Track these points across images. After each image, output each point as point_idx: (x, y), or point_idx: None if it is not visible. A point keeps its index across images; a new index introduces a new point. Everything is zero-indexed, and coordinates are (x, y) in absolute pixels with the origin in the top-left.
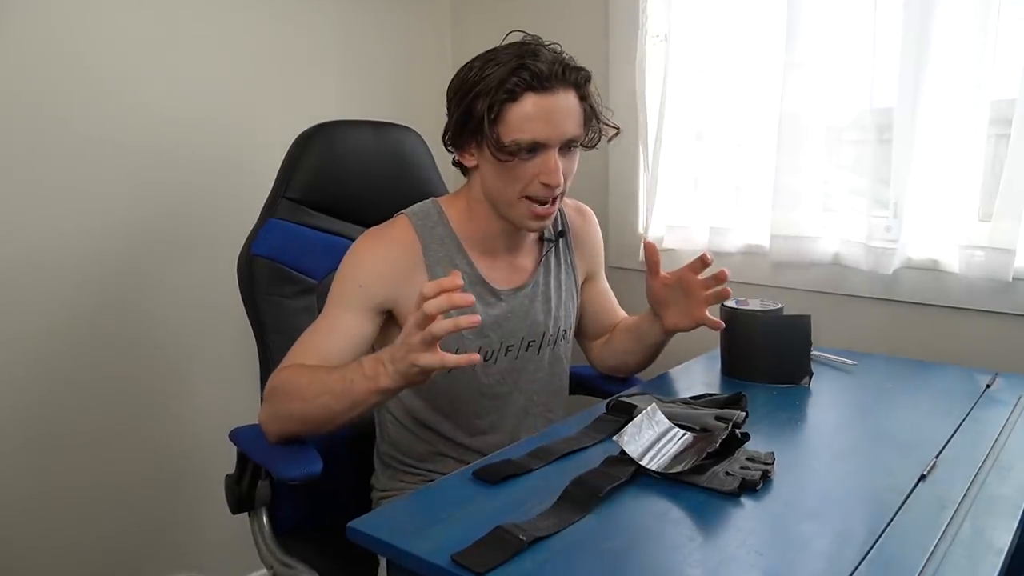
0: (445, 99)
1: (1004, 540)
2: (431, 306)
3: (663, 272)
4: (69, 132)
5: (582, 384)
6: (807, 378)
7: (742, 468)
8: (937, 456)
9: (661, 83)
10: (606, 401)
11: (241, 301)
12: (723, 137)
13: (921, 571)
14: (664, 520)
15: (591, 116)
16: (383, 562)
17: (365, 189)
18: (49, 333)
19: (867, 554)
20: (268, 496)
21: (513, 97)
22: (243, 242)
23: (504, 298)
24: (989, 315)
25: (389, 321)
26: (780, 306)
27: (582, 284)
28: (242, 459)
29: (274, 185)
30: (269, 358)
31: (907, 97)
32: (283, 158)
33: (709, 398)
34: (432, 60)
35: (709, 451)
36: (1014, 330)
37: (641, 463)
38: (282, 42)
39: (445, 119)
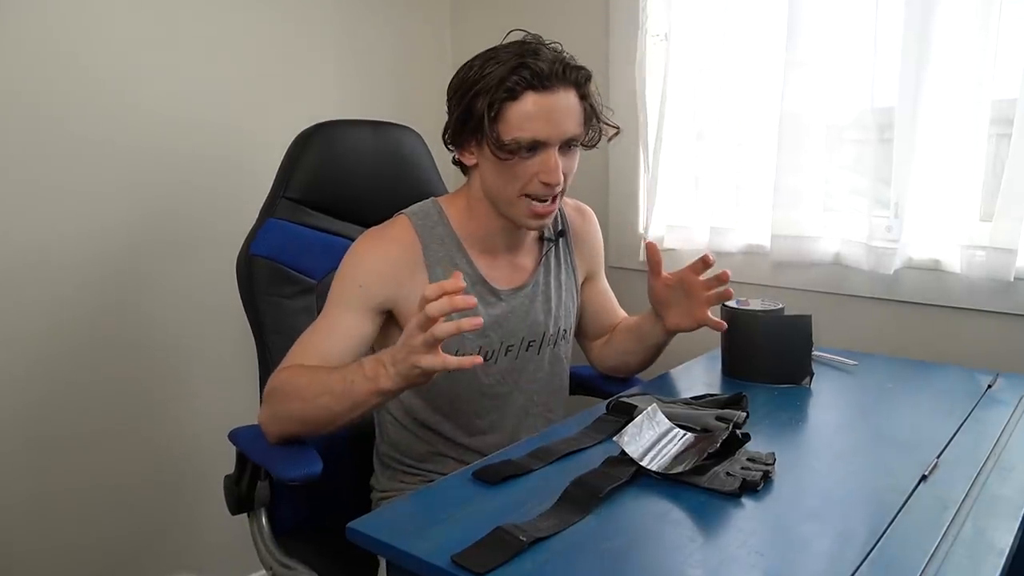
0: (445, 99)
1: (1005, 541)
2: (433, 308)
3: (665, 272)
4: (67, 132)
5: (582, 384)
6: (808, 378)
7: (743, 468)
8: (938, 457)
9: (661, 82)
10: (606, 401)
11: (240, 301)
12: (724, 136)
13: (922, 572)
14: (665, 521)
15: (591, 115)
16: (383, 563)
17: (364, 189)
18: (48, 334)
19: (868, 554)
20: (267, 497)
21: (513, 96)
22: (242, 242)
23: (504, 298)
24: (990, 315)
25: (389, 321)
26: (781, 306)
27: (582, 284)
28: (241, 460)
29: (273, 185)
30: (268, 358)
31: (908, 96)
32: (282, 158)
33: (710, 398)
34: (432, 60)
35: (710, 451)
36: (1015, 330)
37: (641, 464)
38: (281, 41)
39: (445, 119)
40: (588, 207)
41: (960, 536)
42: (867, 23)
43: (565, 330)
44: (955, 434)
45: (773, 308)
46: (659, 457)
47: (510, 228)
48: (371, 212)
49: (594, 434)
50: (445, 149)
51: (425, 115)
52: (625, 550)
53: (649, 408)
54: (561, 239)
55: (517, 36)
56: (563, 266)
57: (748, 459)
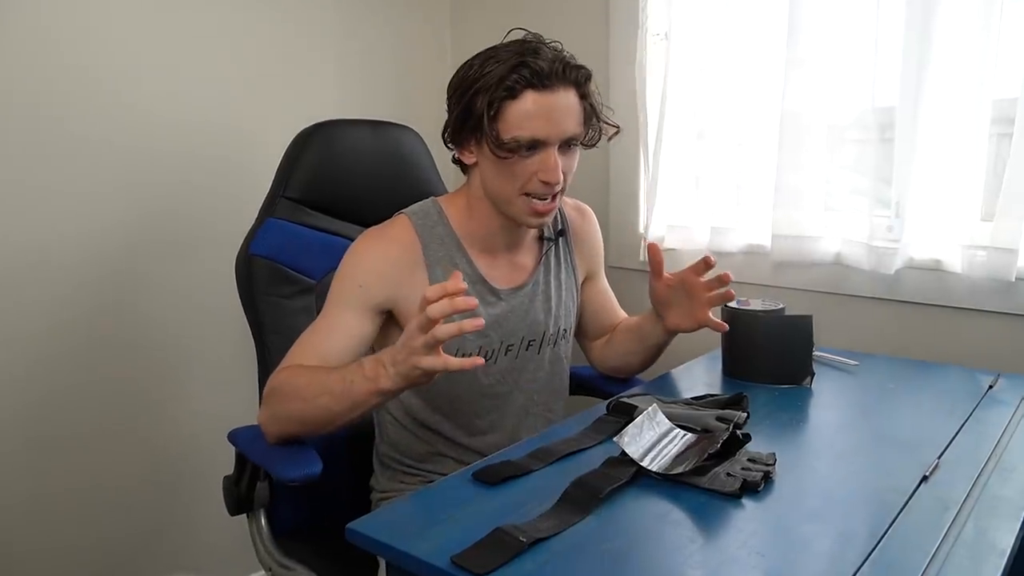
0: (444, 98)
1: (1007, 541)
2: (434, 310)
3: (666, 273)
4: (66, 132)
5: (582, 385)
6: (809, 378)
7: (743, 469)
8: (939, 457)
9: (662, 82)
10: (606, 402)
11: (239, 301)
12: (724, 136)
13: (923, 572)
14: (665, 521)
15: (591, 115)
16: (382, 564)
17: (364, 189)
18: (48, 334)
19: (869, 555)
20: (267, 497)
21: (513, 95)
22: (241, 242)
23: (504, 297)
24: (992, 315)
25: (389, 321)
26: (782, 306)
27: (582, 284)
28: (241, 460)
29: (272, 184)
30: (268, 358)
31: (909, 96)
32: (281, 157)
33: (710, 399)
34: (431, 59)
35: (710, 452)
36: (1017, 330)
37: (642, 464)
38: (280, 41)
39: (445, 118)
40: (588, 206)
41: (961, 537)
42: (868, 22)
43: (565, 329)
44: (956, 434)
45: (774, 308)
46: (659, 458)
47: (510, 227)
48: (371, 212)
49: (594, 434)
50: (445, 149)
51: (425, 114)
52: (625, 551)
53: (649, 408)
54: (561, 238)
55: (517, 35)
56: (563, 265)
57: (749, 460)
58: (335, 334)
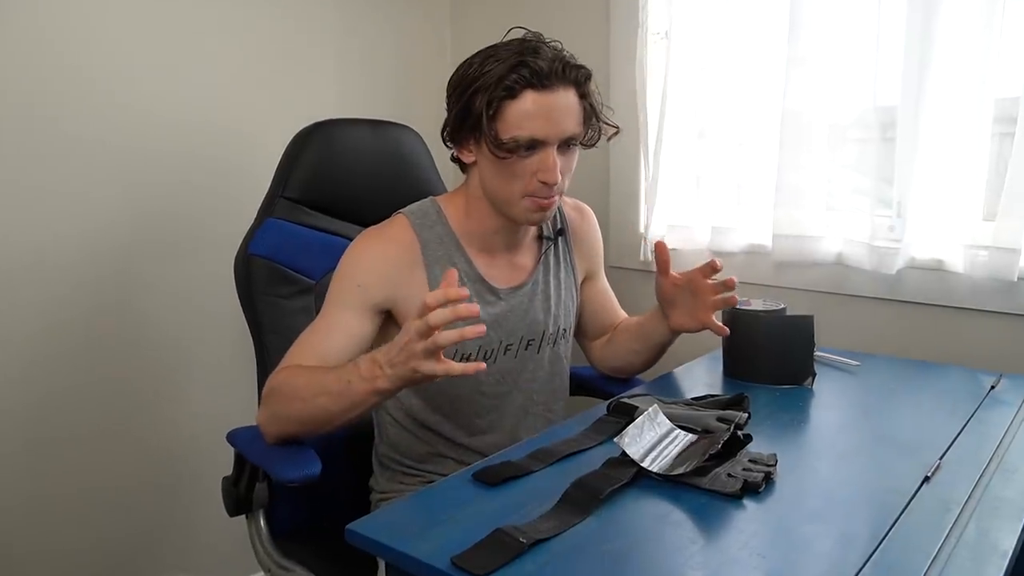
0: (444, 96)
1: (1009, 542)
2: (435, 318)
3: (673, 272)
4: (62, 132)
5: (583, 385)
6: (810, 379)
7: (744, 470)
8: (941, 458)
9: (662, 81)
10: (607, 402)
11: (238, 302)
12: (725, 135)
13: (925, 574)
14: (665, 522)
15: (591, 114)
16: (382, 565)
17: (363, 188)
18: (45, 335)
19: (870, 556)
20: (266, 498)
21: (512, 94)
22: (240, 242)
23: (503, 297)
24: (994, 315)
25: (388, 320)
26: (783, 306)
27: (582, 283)
28: (239, 461)
29: (272, 184)
30: (266, 359)
31: (911, 95)
32: (280, 157)
33: (711, 399)
34: (431, 57)
35: (711, 453)
36: (1019, 331)
37: (642, 465)
38: (280, 39)
39: (444, 117)
40: (587, 206)
41: (963, 538)
42: (870, 21)
43: (565, 329)
44: (958, 435)
45: (775, 308)
46: (660, 458)
47: (509, 227)
48: (370, 211)
49: (595, 435)
50: (444, 148)
51: (424, 114)
52: (626, 552)
53: (650, 409)
54: (560, 238)
55: (518, 34)
56: (562, 265)
57: (750, 460)
58: (334, 334)
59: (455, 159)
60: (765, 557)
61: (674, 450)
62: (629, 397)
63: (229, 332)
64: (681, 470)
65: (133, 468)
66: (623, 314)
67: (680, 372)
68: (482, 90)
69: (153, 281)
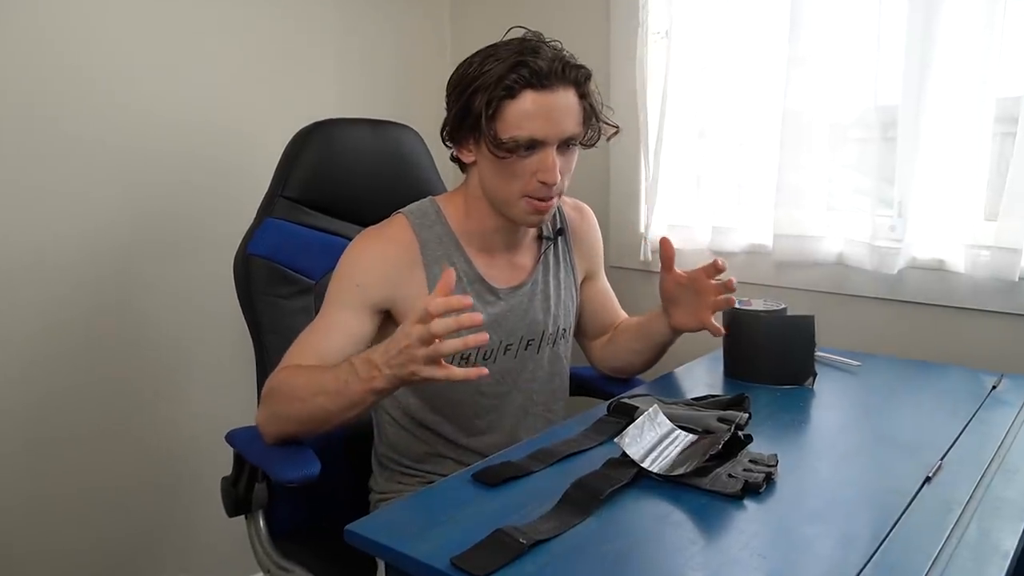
0: (444, 96)
1: (1010, 543)
2: (438, 326)
3: (678, 270)
4: (61, 132)
5: (583, 385)
6: (811, 379)
7: (745, 470)
8: (942, 458)
9: (662, 80)
10: (607, 402)
11: (237, 302)
12: (725, 135)
13: (926, 574)
14: (666, 523)
15: (590, 114)
16: (381, 565)
17: (363, 188)
18: (44, 335)
19: (871, 557)
20: (265, 498)
21: (512, 94)
22: (240, 242)
23: (503, 296)
24: (995, 315)
25: (387, 320)
26: (783, 306)
27: (581, 283)
28: (239, 461)
29: (271, 184)
30: (266, 359)
31: (912, 94)
32: (280, 157)
33: (712, 399)
34: (431, 58)
35: (712, 453)
36: (1020, 331)
37: (643, 465)
38: (280, 39)
39: (444, 117)
40: (587, 206)
41: (964, 538)
42: (870, 20)
43: (564, 329)
44: (959, 435)
45: (775, 308)
46: (660, 459)
47: (508, 226)
48: (370, 211)
49: (595, 435)
50: (444, 148)
51: (424, 113)
52: (626, 552)
53: (650, 409)
54: (560, 238)
55: (517, 33)
56: (562, 264)
57: (750, 460)
58: (333, 334)
59: (455, 159)
60: (766, 558)
61: (674, 450)
62: (629, 397)
63: (229, 332)
64: (681, 470)
65: (133, 468)
66: (623, 314)
67: (680, 372)
68: (482, 90)
69: (153, 281)
